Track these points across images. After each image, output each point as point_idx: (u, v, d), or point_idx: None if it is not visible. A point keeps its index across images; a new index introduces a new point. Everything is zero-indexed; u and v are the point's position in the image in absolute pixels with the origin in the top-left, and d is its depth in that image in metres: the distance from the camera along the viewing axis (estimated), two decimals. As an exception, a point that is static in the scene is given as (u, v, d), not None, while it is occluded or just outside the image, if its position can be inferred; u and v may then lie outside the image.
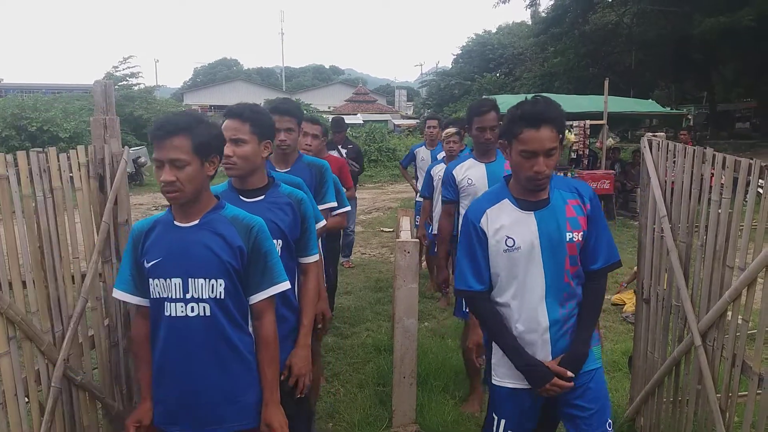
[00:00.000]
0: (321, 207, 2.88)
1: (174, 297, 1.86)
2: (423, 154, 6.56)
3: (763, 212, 2.10)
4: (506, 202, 2.07)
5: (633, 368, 3.25)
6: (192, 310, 1.86)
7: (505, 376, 2.13)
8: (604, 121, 10.47)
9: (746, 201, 2.29)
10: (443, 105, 33.51)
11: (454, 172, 3.44)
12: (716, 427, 2.37)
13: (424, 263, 6.29)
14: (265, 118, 2.27)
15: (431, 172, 5.02)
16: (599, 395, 2.11)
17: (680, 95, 28.53)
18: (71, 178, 2.52)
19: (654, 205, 2.88)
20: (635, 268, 3.55)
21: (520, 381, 2.09)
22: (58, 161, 2.43)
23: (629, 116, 13.81)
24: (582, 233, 2.03)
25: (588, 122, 10.68)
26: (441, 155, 5.43)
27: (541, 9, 28.34)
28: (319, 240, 2.83)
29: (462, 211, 3.34)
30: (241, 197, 2.24)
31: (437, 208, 4.61)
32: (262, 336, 1.97)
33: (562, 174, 2.03)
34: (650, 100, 17.19)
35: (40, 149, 2.38)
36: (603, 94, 10.44)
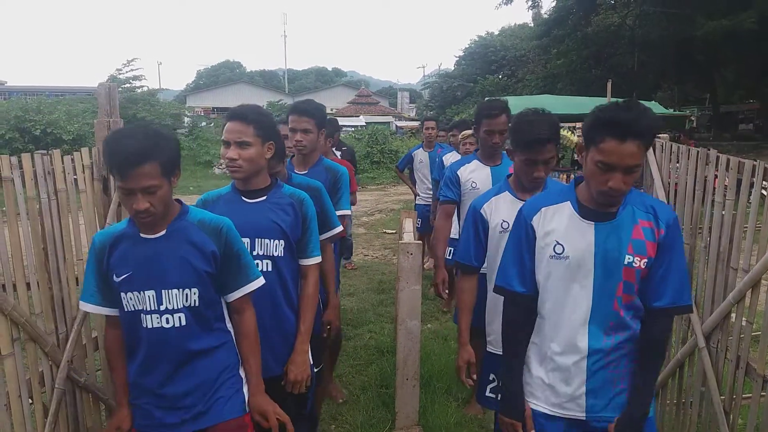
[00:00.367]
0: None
1: (148, 309, 1.84)
2: (421, 156, 6.45)
3: (766, 214, 2.10)
4: (567, 206, 1.84)
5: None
6: (167, 322, 1.84)
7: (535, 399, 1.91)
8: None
9: (750, 202, 2.28)
10: (446, 107, 33.54)
11: (459, 172, 3.32)
12: (720, 430, 2.36)
13: (426, 264, 6.27)
14: (268, 120, 2.27)
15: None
16: None
17: (683, 97, 28.51)
18: (75, 180, 2.53)
19: (657, 206, 2.86)
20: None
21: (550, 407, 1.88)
22: (63, 163, 2.44)
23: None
24: (646, 261, 1.75)
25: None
26: (448, 156, 5.34)
27: (543, 11, 28.38)
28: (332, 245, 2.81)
29: (462, 214, 3.25)
30: (243, 198, 2.24)
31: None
32: (243, 330, 1.99)
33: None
34: (653, 101, 17.18)
35: (45, 151, 2.38)
36: (606, 96, 10.43)
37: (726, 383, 2.39)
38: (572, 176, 9.55)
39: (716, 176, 2.48)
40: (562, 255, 1.81)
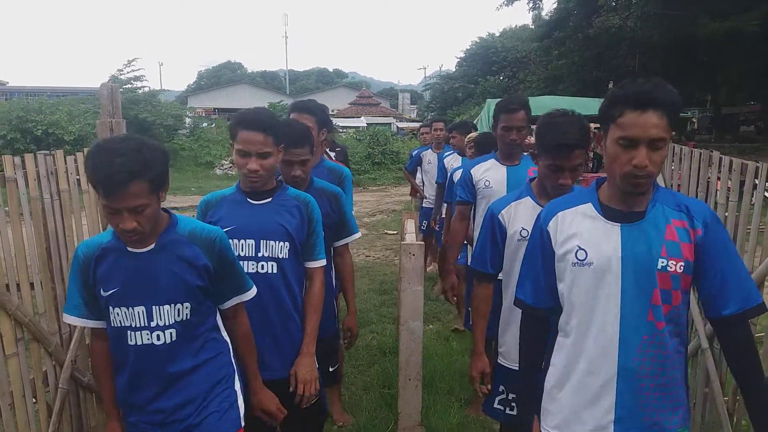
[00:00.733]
0: None
1: (138, 325, 1.77)
2: (430, 157, 6.38)
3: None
4: (589, 207, 1.67)
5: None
6: (158, 339, 1.78)
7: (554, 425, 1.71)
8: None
9: (753, 204, 2.28)
10: (447, 108, 33.58)
11: (471, 172, 3.23)
12: (723, 431, 2.36)
13: (430, 267, 6.27)
14: (280, 124, 2.27)
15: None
16: None
17: (684, 99, 28.47)
18: (78, 180, 2.54)
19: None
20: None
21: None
22: (65, 164, 2.44)
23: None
24: (683, 264, 1.56)
25: (592, 125, 10.64)
26: (449, 159, 5.34)
27: (544, 12, 28.37)
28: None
29: (479, 216, 3.12)
30: (249, 199, 2.24)
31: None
32: (239, 333, 1.98)
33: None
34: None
35: (48, 152, 2.38)
36: (607, 98, 10.42)
37: (729, 385, 2.39)
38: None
39: (719, 178, 2.49)
40: (585, 261, 1.62)
